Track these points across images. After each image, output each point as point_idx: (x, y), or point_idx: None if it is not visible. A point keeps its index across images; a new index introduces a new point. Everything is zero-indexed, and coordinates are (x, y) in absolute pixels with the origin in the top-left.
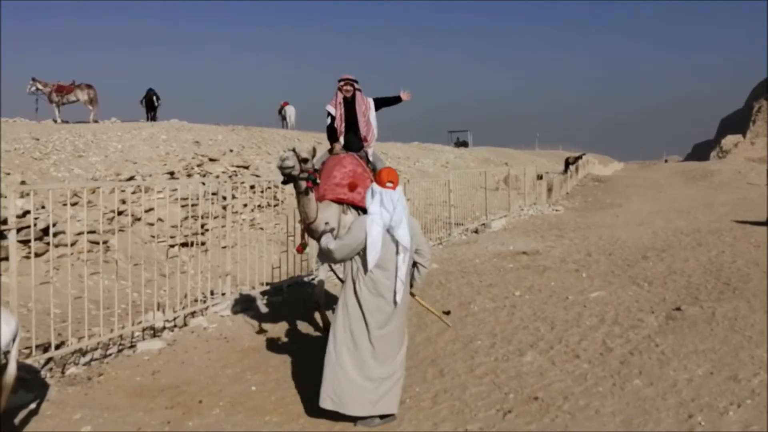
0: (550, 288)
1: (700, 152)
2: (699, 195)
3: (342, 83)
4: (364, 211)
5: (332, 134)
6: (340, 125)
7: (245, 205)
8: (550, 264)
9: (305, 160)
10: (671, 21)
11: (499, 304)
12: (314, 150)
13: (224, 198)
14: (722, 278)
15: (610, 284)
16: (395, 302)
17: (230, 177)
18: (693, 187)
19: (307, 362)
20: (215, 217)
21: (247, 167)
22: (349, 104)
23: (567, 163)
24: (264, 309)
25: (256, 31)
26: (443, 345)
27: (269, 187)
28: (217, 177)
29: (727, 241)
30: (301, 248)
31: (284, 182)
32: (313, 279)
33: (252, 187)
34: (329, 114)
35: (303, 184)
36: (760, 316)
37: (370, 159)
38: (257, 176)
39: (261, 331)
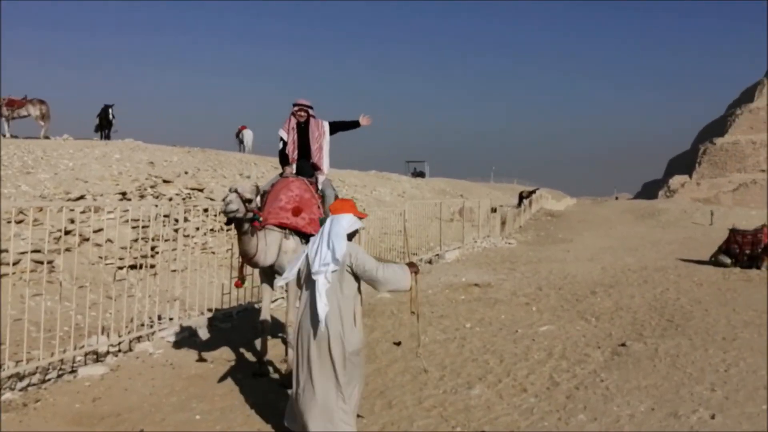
0: (501, 321)
1: (649, 191)
2: (647, 233)
3: (296, 108)
4: (308, 237)
5: (284, 159)
6: (293, 151)
7: (198, 229)
8: (501, 297)
9: (249, 201)
10: (624, 62)
11: (449, 335)
12: (257, 188)
13: (176, 221)
14: (666, 315)
15: (559, 318)
16: (317, 326)
17: (184, 199)
18: (642, 224)
19: (254, 391)
20: (166, 240)
21: (201, 190)
22: (303, 130)
23: (521, 197)
24: (212, 335)
25: (216, 53)
26: (392, 376)
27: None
28: (171, 199)
29: (672, 278)
30: (240, 282)
31: (228, 222)
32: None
33: (205, 210)
34: (281, 139)
35: (246, 225)
36: (701, 354)
37: (320, 186)
38: (212, 199)
39: (206, 359)
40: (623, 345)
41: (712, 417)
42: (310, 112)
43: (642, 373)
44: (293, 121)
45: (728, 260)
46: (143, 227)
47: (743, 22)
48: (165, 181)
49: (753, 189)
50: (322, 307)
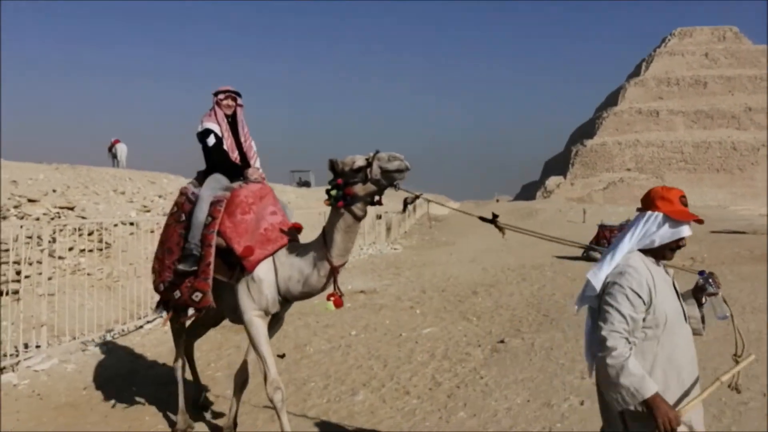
0: (385, 326)
1: (528, 192)
2: None
3: (222, 96)
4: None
5: (223, 158)
6: (231, 146)
7: (70, 249)
8: (386, 302)
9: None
10: (500, 67)
11: (334, 344)
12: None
13: (43, 241)
14: (542, 310)
15: (442, 320)
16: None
17: (53, 219)
18: (521, 224)
19: (130, 417)
20: (30, 264)
21: (72, 208)
22: (231, 124)
23: (405, 203)
24: (86, 361)
25: (86, 57)
26: None
27: (97, 230)
28: (37, 219)
29: (548, 275)
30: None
31: (347, 203)
32: (138, 328)
33: (78, 229)
34: (211, 132)
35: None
36: (572, 344)
37: None
38: (83, 218)
39: (77, 386)
40: (502, 342)
41: (581, 403)
42: (239, 100)
43: (519, 367)
44: (221, 113)
45: (598, 255)
46: (5, 250)
47: (609, 28)
48: (30, 201)
49: (621, 187)
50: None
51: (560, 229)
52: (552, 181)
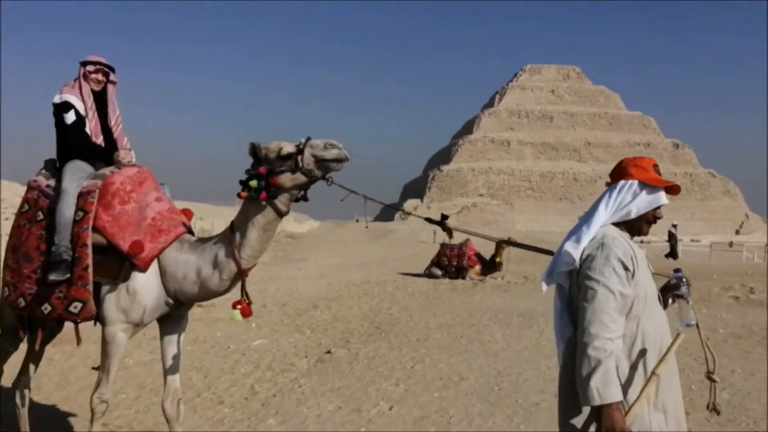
0: (216, 338)
1: (388, 214)
2: (378, 251)
3: (91, 68)
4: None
5: (83, 141)
6: (97, 133)
7: None
8: (222, 315)
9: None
10: (360, 90)
11: (157, 356)
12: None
13: None
14: (375, 323)
15: (276, 332)
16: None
17: None
18: (375, 244)
19: None
20: None
21: None
22: (97, 103)
23: None
24: None
25: None
26: (81, 402)
27: None
28: None
29: (390, 290)
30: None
31: (270, 194)
32: None
33: None
34: (72, 107)
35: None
36: (395, 354)
37: None
38: None
39: None
40: (329, 352)
41: (390, 408)
42: (111, 77)
43: (339, 376)
44: (87, 88)
45: (439, 272)
46: None
47: (468, 60)
48: None
49: (474, 211)
50: (555, 332)
51: (412, 247)
52: (410, 204)
